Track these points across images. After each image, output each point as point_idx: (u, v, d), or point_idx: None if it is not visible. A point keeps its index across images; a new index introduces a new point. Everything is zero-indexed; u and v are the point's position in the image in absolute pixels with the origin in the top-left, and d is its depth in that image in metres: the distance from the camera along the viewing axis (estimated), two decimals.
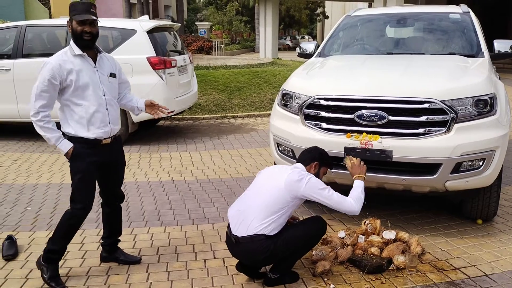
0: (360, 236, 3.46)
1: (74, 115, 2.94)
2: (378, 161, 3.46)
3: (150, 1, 32.08)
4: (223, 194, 4.82)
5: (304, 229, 2.98)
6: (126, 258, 3.35)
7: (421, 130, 3.39)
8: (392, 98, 3.47)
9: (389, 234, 3.45)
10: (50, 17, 19.57)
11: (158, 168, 5.76)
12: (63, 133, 2.97)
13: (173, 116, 8.05)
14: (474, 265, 3.26)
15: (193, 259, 3.40)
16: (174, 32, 7.86)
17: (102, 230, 3.38)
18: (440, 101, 3.37)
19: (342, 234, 3.53)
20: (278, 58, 20.69)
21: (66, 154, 2.95)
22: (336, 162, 3.44)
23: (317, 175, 3.12)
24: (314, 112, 3.72)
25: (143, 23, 6.88)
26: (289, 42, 46.29)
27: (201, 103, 9.57)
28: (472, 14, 4.93)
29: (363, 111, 3.51)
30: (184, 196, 4.76)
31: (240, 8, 43.74)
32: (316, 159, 3.16)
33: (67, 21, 2.97)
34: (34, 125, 2.90)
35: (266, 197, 2.91)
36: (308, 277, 3.11)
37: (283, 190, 2.90)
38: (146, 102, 3.23)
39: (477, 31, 4.61)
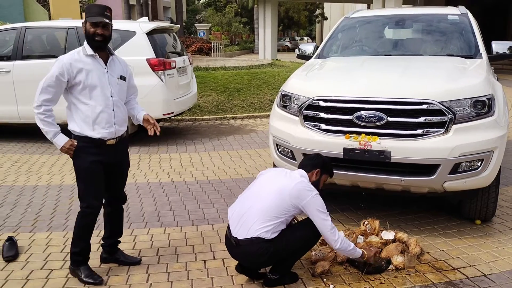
0: (359, 236, 3.47)
1: (80, 113, 2.99)
2: (377, 162, 3.47)
3: (149, 3, 32.11)
4: (223, 195, 4.83)
5: (304, 229, 2.99)
6: (126, 259, 3.36)
7: (419, 131, 3.41)
8: (391, 99, 3.48)
9: (388, 235, 3.46)
10: (50, 19, 19.59)
11: (158, 169, 5.77)
12: (69, 131, 3.01)
13: (173, 117, 8.05)
14: (472, 265, 3.27)
15: (193, 260, 3.41)
16: (174, 33, 7.87)
17: (103, 231, 3.39)
18: (439, 102, 3.39)
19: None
20: (277, 59, 20.74)
21: (61, 149, 2.98)
22: (335, 163, 3.45)
23: (317, 182, 3.14)
24: (313, 113, 3.73)
25: (143, 25, 6.89)
26: (288, 43, 46.36)
27: (201, 104, 9.58)
28: (470, 15, 4.95)
29: (362, 112, 3.52)
30: (184, 197, 4.77)
31: (239, 10, 43.79)
32: (318, 167, 3.17)
33: (82, 22, 3.05)
34: (35, 117, 2.95)
35: (268, 200, 2.91)
36: (308, 278, 3.12)
37: (287, 196, 2.89)
38: (145, 116, 3.24)
39: (475, 32, 4.63)
